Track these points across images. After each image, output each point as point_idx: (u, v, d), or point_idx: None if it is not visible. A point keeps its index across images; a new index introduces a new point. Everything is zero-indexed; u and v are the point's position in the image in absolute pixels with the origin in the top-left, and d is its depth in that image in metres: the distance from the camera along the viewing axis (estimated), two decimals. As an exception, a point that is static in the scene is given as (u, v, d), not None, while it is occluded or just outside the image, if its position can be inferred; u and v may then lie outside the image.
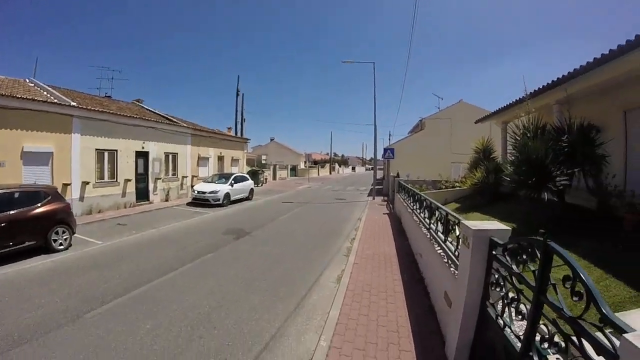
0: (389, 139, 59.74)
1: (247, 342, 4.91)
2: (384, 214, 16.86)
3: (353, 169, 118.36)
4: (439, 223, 6.76)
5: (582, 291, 1.99)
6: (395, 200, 17.41)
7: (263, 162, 50.75)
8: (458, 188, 18.59)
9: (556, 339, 2.22)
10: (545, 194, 7.85)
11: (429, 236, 7.26)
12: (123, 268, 8.05)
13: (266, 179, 40.35)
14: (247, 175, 24.07)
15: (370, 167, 32.82)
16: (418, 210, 9.85)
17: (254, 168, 37.83)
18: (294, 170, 60.09)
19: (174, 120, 24.28)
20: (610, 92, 9.46)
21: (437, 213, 7.08)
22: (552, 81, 9.84)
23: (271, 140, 77.90)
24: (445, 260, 5.37)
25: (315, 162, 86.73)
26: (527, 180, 8.13)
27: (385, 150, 26.24)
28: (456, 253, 4.97)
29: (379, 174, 62.65)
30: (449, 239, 5.74)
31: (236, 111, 34.05)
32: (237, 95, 33.98)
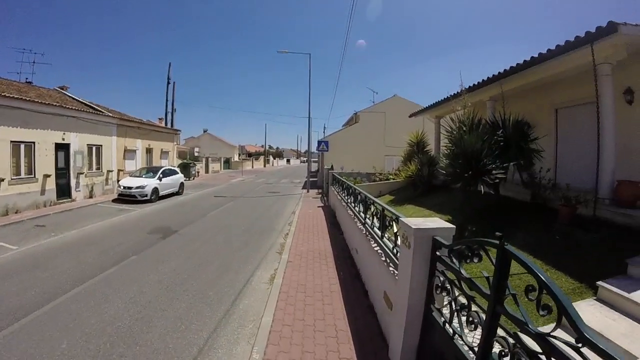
0: (324, 132, 59.85)
1: (173, 358, 4.37)
2: (318, 207, 16.62)
3: (288, 161, 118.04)
4: (375, 218, 6.52)
5: (551, 304, 1.72)
6: (330, 193, 17.23)
7: (196, 154, 48.90)
8: (392, 180, 18.77)
9: (519, 356, 1.94)
10: (482, 186, 7.88)
11: (364, 232, 7.00)
12: (39, 276, 7.05)
13: (198, 172, 38.82)
14: (177, 169, 22.85)
15: (305, 159, 32.52)
16: (353, 204, 9.61)
17: (185, 161, 36.22)
18: (227, 163, 58.55)
19: (98, 109, 22.47)
20: (542, 91, 10.06)
21: (372, 207, 6.85)
22: (488, 77, 10.13)
23: (204, 132, 75.32)
24: (384, 259, 5.11)
25: (250, 155, 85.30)
26: (464, 173, 8.13)
27: (320, 142, 26.04)
28: (395, 251, 4.72)
29: (314, 167, 62.98)
30: (386, 235, 5.49)
31: (166, 100, 32.25)
32: (168, 83, 32.19)
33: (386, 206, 5.59)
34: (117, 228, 12.03)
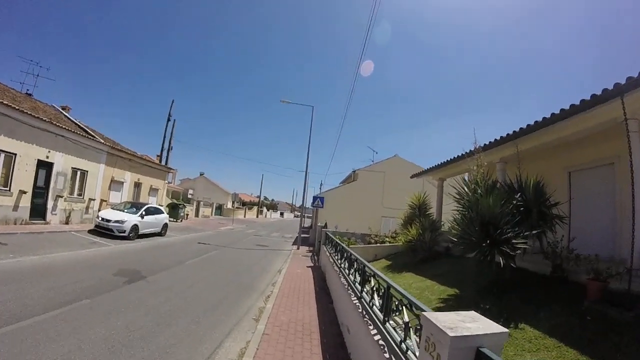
0: (320, 188, 58.85)
1: None
2: (307, 266, 15.22)
3: (281, 214, 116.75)
4: (376, 295, 5.25)
5: None
6: (321, 253, 15.87)
7: (189, 196, 47.79)
8: (389, 244, 17.57)
9: None
10: (501, 257, 6.72)
11: (360, 309, 5.74)
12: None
13: (187, 214, 37.46)
14: (162, 208, 21.58)
15: (299, 214, 31.20)
16: (347, 271, 8.31)
17: (174, 201, 34.96)
18: (219, 209, 57.28)
19: (92, 133, 21.68)
20: (554, 153, 9.45)
21: (372, 281, 5.61)
22: (502, 137, 9.28)
23: (200, 174, 74.75)
24: (387, 356, 3.83)
25: (244, 204, 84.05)
26: (481, 241, 6.97)
27: (315, 198, 24.99)
28: (404, 347, 3.46)
29: (307, 222, 61.66)
30: (391, 321, 4.24)
31: (164, 137, 31.58)
32: (169, 120, 31.66)
33: (395, 285, 4.35)
34: (82, 263, 10.70)
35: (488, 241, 6.87)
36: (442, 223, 14.30)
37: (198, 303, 8.27)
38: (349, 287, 7.26)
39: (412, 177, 18.44)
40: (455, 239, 7.89)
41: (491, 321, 2.53)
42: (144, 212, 18.71)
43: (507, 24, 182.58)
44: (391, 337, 3.91)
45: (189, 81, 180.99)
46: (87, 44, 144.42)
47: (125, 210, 18.59)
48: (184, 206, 34.45)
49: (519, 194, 7.64)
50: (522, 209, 7.41)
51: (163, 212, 20.98)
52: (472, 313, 2.72)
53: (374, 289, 5.32)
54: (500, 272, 7.03)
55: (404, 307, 3.81)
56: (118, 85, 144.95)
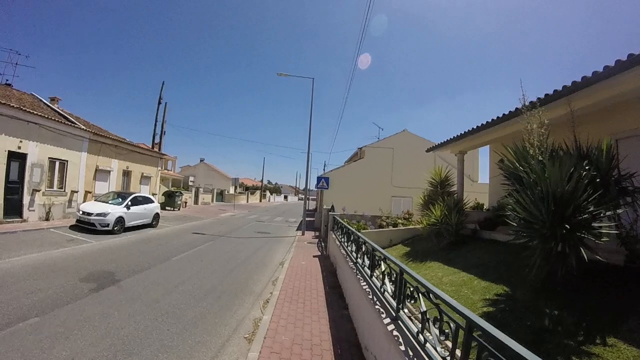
0: (324, 169, 56.63)
1: None
2: (314, 256, 13.33)
3: (285, 197, 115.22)
4: (432, 325, 3.25)
5: None
6: (329, 241, 13.93)
7: (190, 183, 46.01)
8: (403, 227, 15.60)
9: None
10: (581, 248, 4.80)
11: (392, 328, 3.83)
12: None
13: (186, 202, 35.62)
14: (152, 197, 19.64)
15: (303, 196, 29.33)
16: (367, 271, 6.34)
17: (170, 189, 33.12)
18: (221, 195, 55.41)
19: (71, 119, 19.75)
20: (601, 117, 7.83)
21: (422, 300, 3.60)
22: (556, 90, 7.16)
23: (201, 161, 73.02)
24: None
25: (247, 188, 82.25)
26: (553, 227, 5.01)
27: (319, 178, 22.97)
28: None
29: (312, 205, 59.57)
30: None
31: (156, 121, 29.35)
32: (159, 103, 29.37)
33: (462, 308, 2.41)
34: (50, 266, 9.00)
35: (567, 226, 4.88)
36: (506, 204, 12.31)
37: (174, 318, 6.38)
38: (374, 297, 5.32)
39: (427, 150, 16.37)
40: (515, 224, 5.86)
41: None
42: (130, 203, 16.86)
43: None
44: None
45: (188, 66, 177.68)
46: (80, 35, 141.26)
47: (110, 202, 16.82)
48: (181, 194, 32.50)
49: (585, 161, 5.61)
50: (597, 180, 5.40)
51: (153, 201, 19.09)
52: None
53: (426, 317, 3.33)
54: (549, 260, 5.11)
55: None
56: (114, 76, 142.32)
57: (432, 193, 13.02)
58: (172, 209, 30.76)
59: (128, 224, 16.53)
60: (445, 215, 11.13)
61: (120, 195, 17.58)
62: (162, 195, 30.77)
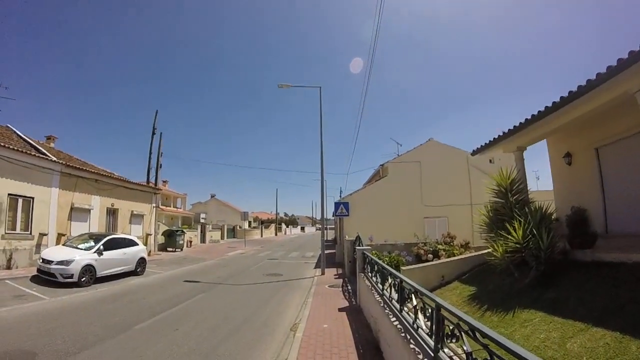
0: (340, 195, 52.40)
1: None
2: (340, 310, 9.25)
3: (302, 229, 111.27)
4: None
5: None
6: (360, 285, 9.69)
7: (202, 220, 42.63)
8: (456, 257, 11.70)
9: None
10: None
11: None
12: None
13: (190, 241, 32.03)
14: (135, 239, 15.96)
15: (320, 226, 25.39)
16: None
17: (171, 228, 29.59)
18: (232, 231, 51.88)
19: (39, 148, 16.72)
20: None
21: None
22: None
23: (212, 197, 69.84)
24: None
25: (262, 222, 78.64)
26: None
27: (337, 204, 19.19)
28: None
29: (330, 234, 55.28)
30: None
31: (150, 153, 25.96)
32: (154, 133, 26.11)
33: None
34: None
35: None
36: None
37: None
38: None
39: (473, 154, 12.57)
40: None
41: None
42: (102, 247, 13.38)
43: (502, 15, 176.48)
44: None
45: (198, 104, 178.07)
46: (90, 78, 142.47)
47: (80, 246, 13.35)
48: (183, 232, 28.93)
49: None
50: None
51: (137, 244, 15.50)
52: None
53: None
54: None
55: None
56: (121, 119, 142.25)
57: (500, 206, 9.13)
58: (173, 249, 27.26)
59: (101, 273, 13.17)
60: (531, 236, 7.36)
61: (95, 238, 14.14)
62: (162, 235, 27.32)
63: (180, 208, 52.58)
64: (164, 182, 48.35)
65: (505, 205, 8.91)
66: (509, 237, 7.73)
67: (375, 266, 7.36)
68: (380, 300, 6.07)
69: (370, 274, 8.13)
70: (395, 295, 5.31)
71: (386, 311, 5.30)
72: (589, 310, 5.39)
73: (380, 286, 6.35)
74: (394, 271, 5.52)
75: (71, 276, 11.92)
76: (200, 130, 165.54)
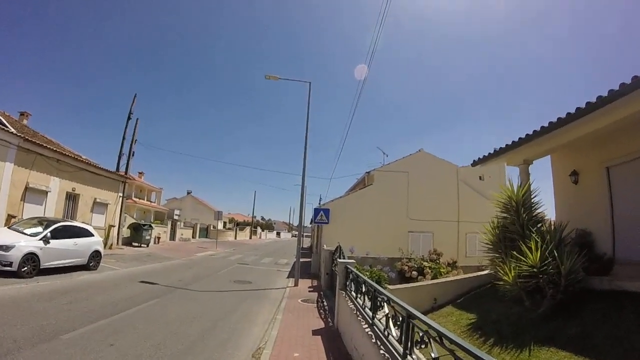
0: (319, 203, 50.71)
1: None
2: (314, 332, 7.83)
3: (278, 234, 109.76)
4: None
5: None
6: (340, 305, 8.21)
7: (176, 217, 40.83)
8: (450, 278, 10.49)
9: None
10: None
11: None
12: None
13: (158, 238, 30.24)
14: (90, 229, 14.33)
15: (297, 233, 23.84)
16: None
17: (138, 221, 27.79)
18: (205, 230, 49.98)
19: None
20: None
21: None
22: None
23: (188, 193, 67.78)
24: None
25: (238, 224, 76.70)
26: None
27: (317, 211, 17.85)
28: None
29: (307, 242, 53.57)
30: None
31: (123, 139, 24.12)
32: (129, 118, 24.40)
33: None
34: None
35: None
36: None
37: None
38: None
39: (474, 164, 11.43)
40: None
41: None
42: (49, 234, 11.81)
43: (500, 32, 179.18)
44: None
45: (181, 101, 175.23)
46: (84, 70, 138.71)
47: (26, 231, 11.76)
48: (151, 227, 27.17)
49: None
50: None
51: (91, 234, 13.86)
52: None
53: None
54: None
55: None
56: (106, 109, 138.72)
57: (510, 223, 7.94)
58: (139, 244, 25.52)
59: (45, 264, 11.60)
60: (551, 259, 6.23)
61: (45, 224, 12.51)
62: (127, 228, 25.57)
63: (155, 202, 50.58)
64: (140, 173, 46.38)
65: (515, 222, 7.74)
66: (523, 259, 6.57)
67: (363, 286, 6.03)
68: (370, 332, 4.73)
69: (354, 294, 6.79)
70: (395, 332, 3.99)
71: (381, 351, 3.99)
72: (626, 349, 4.31)
73: (370, 313, 5.03)
74: (396, 299, 4.21)
75: (10, 264, 10.44)
76: (185, 124, 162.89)
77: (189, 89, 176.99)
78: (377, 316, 4.80)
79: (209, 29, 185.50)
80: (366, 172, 23.68)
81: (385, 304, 4.50)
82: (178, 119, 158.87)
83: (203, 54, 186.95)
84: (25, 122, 19.91)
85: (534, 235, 6.97)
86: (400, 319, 3.68)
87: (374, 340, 4.46)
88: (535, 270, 6.37)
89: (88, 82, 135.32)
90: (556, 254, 6.29)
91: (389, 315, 4.22)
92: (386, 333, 4.21)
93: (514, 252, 6.93)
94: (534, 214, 7.95)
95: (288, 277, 17.32)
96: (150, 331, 7.12)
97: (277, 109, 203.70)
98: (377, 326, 4.65)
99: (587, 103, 6.37)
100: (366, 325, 5.05)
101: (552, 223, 7.89)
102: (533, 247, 6.50)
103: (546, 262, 6.31)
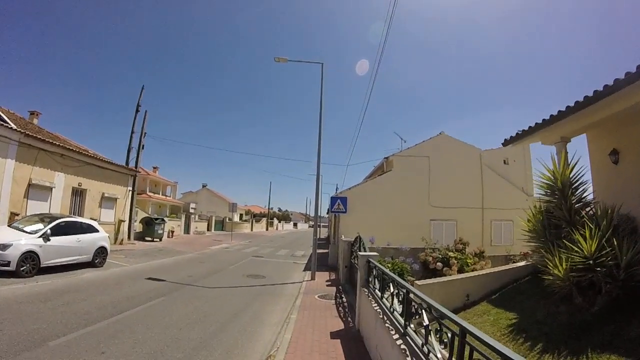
0: (336, 191, 49.67)
1: None
2: (333, 335, 6.94)
3: (295, 225, 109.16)
4: None
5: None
6: (362, 306, 7.30)
7: (192, 210, 40.32)
8: (481, 271, 9.45)
9: None
10: None
11: None
12: None
13: (172, 232, 29.70)
14: (94, 224, 13.63)
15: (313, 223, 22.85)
16: None
17: (150, 215, 27.23)
18: (221, 223, 49.48)
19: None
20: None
21: None
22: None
23: (203, 186, 67.33)
24: None
25: (255, 216, 76.18)
26: None
27: (334, 199, 16.81)
28: None
29: (324, 232, 52.56)
30: None
31: (132, 132, 23.65)
32: (137, 111, 23.75)
33: None
34: None
35: None
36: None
37: None
38: None
39: (505, 143, 10.22)
40: None
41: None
42: (49, 231, 11.14)
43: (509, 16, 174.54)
44: None
45: (197, 101, 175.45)
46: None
47: (26, 229, 11.12)
48: (163, 221, 26.57)
49: None
50: None
51: (96, 230, 13.19)
52: None
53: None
54: None
55: None
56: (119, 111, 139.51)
57: (555, 207, 6.89)
58: (151, 239, 24.96)
59: (46, 262, 10.97)
60: (610, 249, 5.22)
61: (47, 220, 11.85)
62: (139, 222, 25.02)
63: (170, 196, 50.19)
64: (154, 168, 45.97)
65: (562, 206, 6.68)
66: (576, 249, 5.54)
67: (391, 285, 5.06)
68: (402, 346, 3.75)
69: (378, 293, 5.84)
70: (440, 351, 3.00)
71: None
72: None
73: (402, 320, 4.07)
74: (451, 315, 3.25)
75: (7, 264, 9.85)
76: (202, 119, 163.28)
77: (203, 87, 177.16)
78: (410, 325, 3.84)
79: (224, 27, 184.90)
80: (385, 158, 22.48)
81: (423, 311, 3.50)
82: (191, 114, 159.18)
83: (215, 52, 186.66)
84: (35, 121, 19.47)
85: (586, 220, 5.94)
86: (450, 335, 2.71)
87: (409, 359, 3.47)
88: (590, 262, 5.35)
89: (106, 84, 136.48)
90: (615, 242, 5.25)
91: (430, 328, 3.23)
92: (426, 350, 3.23)
93: (564, 241, 5.90)
94: (583, 197, 6.90)
95: (304, 270, 16.47)
96: (148, 337, 6.29)
97: (293, 102, 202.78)
98: (411, 337, 3.69)
99: (627, 73, 5.29)
100: (397, 336, 4.07)
101: (598, 207, 6.82)
102: (587, 235, 5.47)
103: (603, 252, 5.29)
